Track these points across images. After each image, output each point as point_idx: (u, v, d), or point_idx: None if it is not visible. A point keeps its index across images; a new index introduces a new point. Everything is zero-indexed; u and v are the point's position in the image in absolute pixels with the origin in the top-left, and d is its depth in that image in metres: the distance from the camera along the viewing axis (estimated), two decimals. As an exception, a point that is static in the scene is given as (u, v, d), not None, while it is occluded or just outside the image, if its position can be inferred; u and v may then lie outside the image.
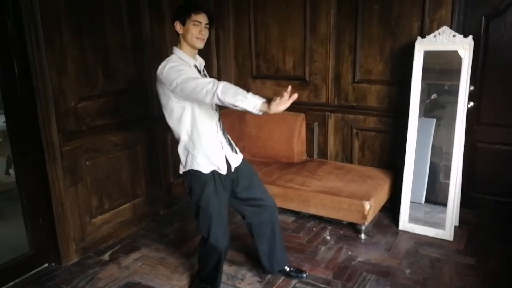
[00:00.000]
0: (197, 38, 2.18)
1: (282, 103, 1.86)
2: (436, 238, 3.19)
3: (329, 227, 3.42)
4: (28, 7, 2.56)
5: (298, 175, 3.57)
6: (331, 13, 3.70)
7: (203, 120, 2.23)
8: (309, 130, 4.00)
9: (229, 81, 2.68)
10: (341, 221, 3.36)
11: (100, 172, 3.14)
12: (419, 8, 3.38)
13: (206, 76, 2.32)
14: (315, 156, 4.07)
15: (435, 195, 3.37)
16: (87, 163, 3.03)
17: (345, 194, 3.23)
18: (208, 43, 3.98)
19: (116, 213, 3.29)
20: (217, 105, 2.23)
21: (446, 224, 3.18)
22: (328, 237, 3.28)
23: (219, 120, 2.35)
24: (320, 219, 3.49)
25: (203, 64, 2.38)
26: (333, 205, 3.24)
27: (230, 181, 2.39)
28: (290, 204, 3.42)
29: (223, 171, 2.31)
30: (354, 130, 3.84)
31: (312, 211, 3.37)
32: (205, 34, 2.22)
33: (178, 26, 2.19)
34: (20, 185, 2.79)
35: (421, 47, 3.23)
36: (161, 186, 3.67)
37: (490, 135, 3.42)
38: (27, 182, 2.80)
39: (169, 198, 3.77)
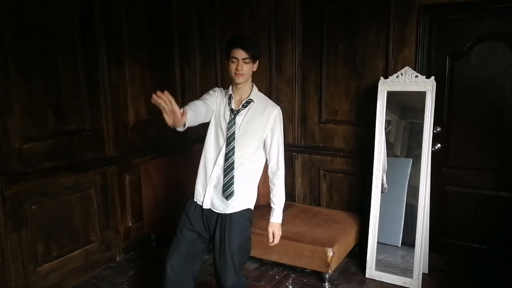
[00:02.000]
0: (235, 74, 2.14)
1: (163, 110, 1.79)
2: (404, 287, 3.02)
3: (292, 275, 3.23)
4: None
5: (261, 219, 3.38)
6: (297, 52, 3.65)
7: (208, 144, 2.26)
8: (276, 171, 3.85)
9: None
10: (305, 268, 3.18)
11: (48, 217, 2.95)
12: (383, 48, 3.34)
13: (235, 110, 2.21)
14: (283, 198, 3.90)
15: (412, 237, 3.19)
16: (33, 207, 2.85)
17: (307, 240, 3.07)
18: (173, 81, 3.98)
19: (65, 261, 3.09)
20: (228, 141, 2.19)
21: (414, 272, 3.01)
22: (291, 286, 3.09)
23: (226, 158, 2.18)
24: (284, 266, 3.30)
25: (253, 97, 2.23)
26: (295, 252, 3.08)
27: (203, 217, 2.26)
28: (252, 250, 3.22)
29: (198, 200, 2.27)
30: (322, 172, 3.71)
31: (275, 258, 3.20)
32: (243, 69, 2.12)
33: (227, 63, 2.21)
34: (-44, 231, 2.62)
35: (384, 87, 3.17)
36: (118, 231, 3.47)
37: (459, 178, 3.31)
38: (-37, 228, 2.63)
39: (126, 244, 3.56)
